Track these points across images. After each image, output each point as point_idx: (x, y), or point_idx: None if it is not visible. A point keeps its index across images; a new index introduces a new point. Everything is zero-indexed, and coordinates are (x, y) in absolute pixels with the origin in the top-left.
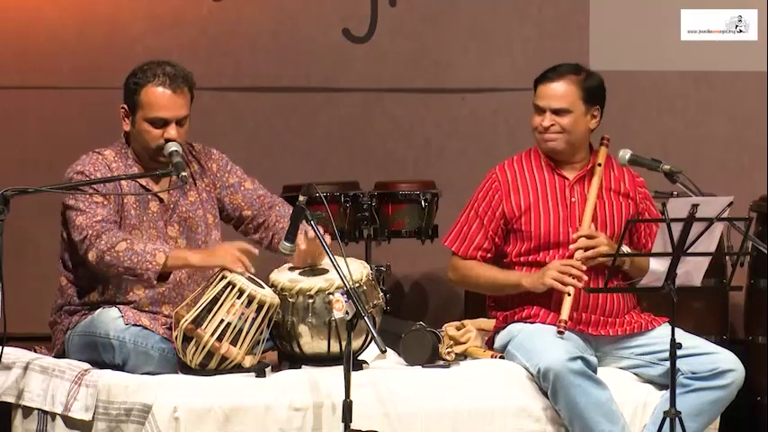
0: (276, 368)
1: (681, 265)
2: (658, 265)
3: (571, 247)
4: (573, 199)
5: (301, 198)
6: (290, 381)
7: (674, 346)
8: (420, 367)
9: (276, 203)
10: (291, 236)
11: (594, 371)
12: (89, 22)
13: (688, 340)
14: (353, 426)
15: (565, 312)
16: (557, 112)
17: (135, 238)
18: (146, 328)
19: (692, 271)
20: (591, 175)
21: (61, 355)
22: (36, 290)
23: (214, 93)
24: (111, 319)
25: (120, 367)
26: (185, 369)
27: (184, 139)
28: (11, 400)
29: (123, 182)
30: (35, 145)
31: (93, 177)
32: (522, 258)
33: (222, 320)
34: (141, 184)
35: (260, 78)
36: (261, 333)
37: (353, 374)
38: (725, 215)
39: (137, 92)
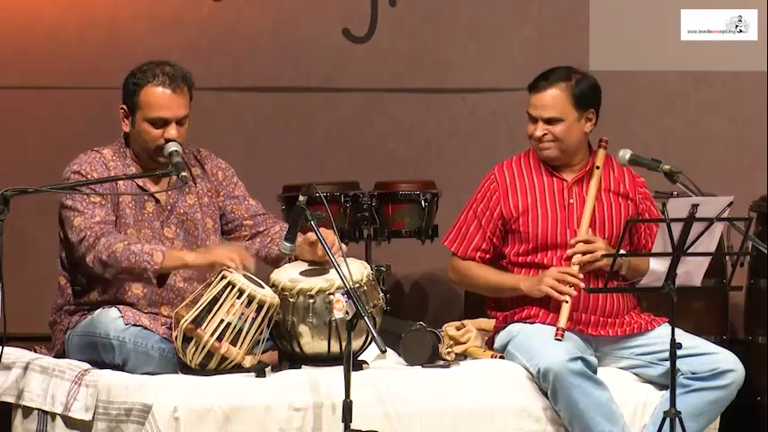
0: (276, 368)
1: (681, 265)
2: (658, 266)
3: (569, 251)
4: (571, 200)
5: (301, 198)
6: (290, 381)
7: (674, 346)
8: (420, 367)
9: (279, 221)
10: (291, 236)
11: (594, 371)
12: (89, 23)
13: (688, 340)
14: (353, 426)
15: (562, 319)
16: (548, 121)
17: (131, 238)
18: (146, 328)
19: (692, 271)
20: (589, 177)
21: (61, 355)
22: (36, 290)
23: (214, 93)
24: (111, 320)
25: (120, 367)
26: (185, 369)
27: (184, 139)
28: (11, 400)
29: (120, 181)
30: (35, 145)
31: (90, 177)
32: (520, 259)
33: (222, 320)
34: (138, 185)
35: (260, 78)
36: (261, 333)
37: (353, 374)
38: (725, 215)
39: (136, 92)
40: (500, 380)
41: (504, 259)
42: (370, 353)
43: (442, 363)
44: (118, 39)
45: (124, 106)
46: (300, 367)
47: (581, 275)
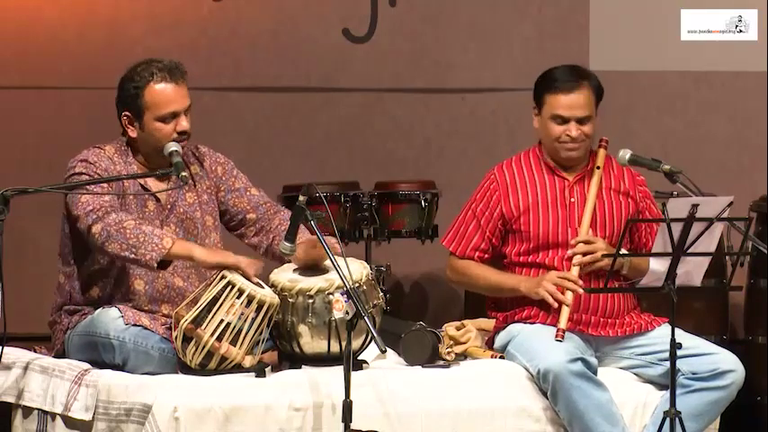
0: (276, 368)
1: (681, 265)
2: (658, 265)
3: (569, 252)
4: (572, 199)
5: (301, 198)
6: (290, 381)
7: (674, 346)
8: (420, 367)
9: (281, 210)
10: (291, 236)
11: (594, 372)
12: (89, 23)
13: (688, 340)
14: (353, 426)
15: (563, 320)
16: (581, 120)
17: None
18: (146, 328)
19: (692, 271)
20: (590, 176)
21: (61, 355)
22: (36, 290)
23: (214, 93)
24: (111, 319)
25: (120, 367)
26: (185, 369)
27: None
28: (11, 400)
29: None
30: (35, 145)
31: (96, 166)
32: (521, 259)
33: (222, 320)
34: (141, 184)
35: (260, 78)
36: (261, 333)
37: (353, 374)
38: (725, 215)
39: (139, 95)
40: (500, 380)
41: (506, 259)
42: (370, 353)
43: (442, 363)
44: (118, 39)
45: (128, 113)
46: (300, 367)
47: (580, 282)
